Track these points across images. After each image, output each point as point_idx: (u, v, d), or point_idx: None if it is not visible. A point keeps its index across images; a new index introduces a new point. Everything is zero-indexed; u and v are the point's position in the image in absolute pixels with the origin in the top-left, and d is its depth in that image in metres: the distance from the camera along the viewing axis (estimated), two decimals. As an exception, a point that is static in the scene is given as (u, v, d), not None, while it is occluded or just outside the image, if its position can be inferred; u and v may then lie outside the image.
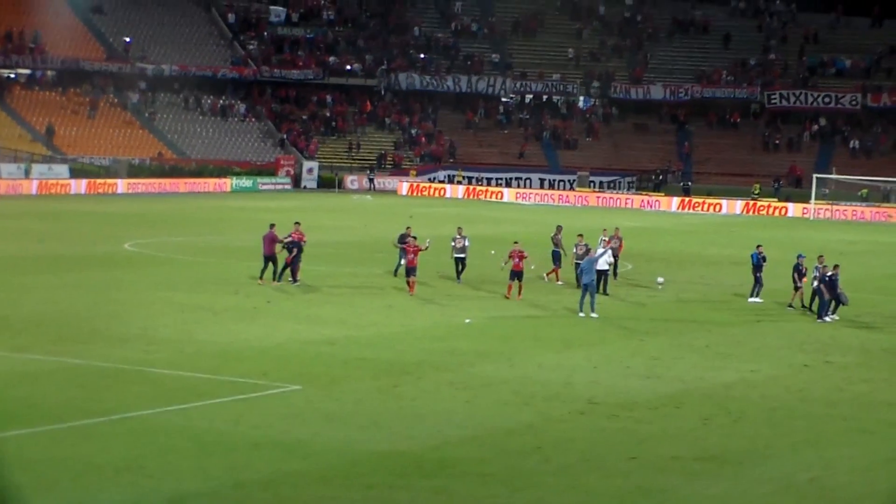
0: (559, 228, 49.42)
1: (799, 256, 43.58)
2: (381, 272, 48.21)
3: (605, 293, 44.23)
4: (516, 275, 43.52)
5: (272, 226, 45.75)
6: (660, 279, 47.69)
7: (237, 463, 22.06)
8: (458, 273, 46.94)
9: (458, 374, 30.44)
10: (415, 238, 45.00)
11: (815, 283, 41.28)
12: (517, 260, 43.57)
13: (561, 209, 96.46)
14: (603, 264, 44.48)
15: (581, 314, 40.01)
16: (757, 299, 44.74)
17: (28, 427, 23.77)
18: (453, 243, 47.38)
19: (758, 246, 46.33)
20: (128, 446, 22.76)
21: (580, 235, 47.23)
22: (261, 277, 44.81)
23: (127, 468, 21.39)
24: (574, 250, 46.30)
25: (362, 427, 24.84)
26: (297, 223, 46.08)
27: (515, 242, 44.92)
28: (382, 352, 32.94)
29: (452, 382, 29.37)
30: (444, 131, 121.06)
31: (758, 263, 44.99)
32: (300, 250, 44.89)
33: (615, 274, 48.30)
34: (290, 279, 44.69)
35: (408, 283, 43.55)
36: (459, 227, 48.27)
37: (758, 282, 45.03)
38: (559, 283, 47.55)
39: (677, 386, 30.10)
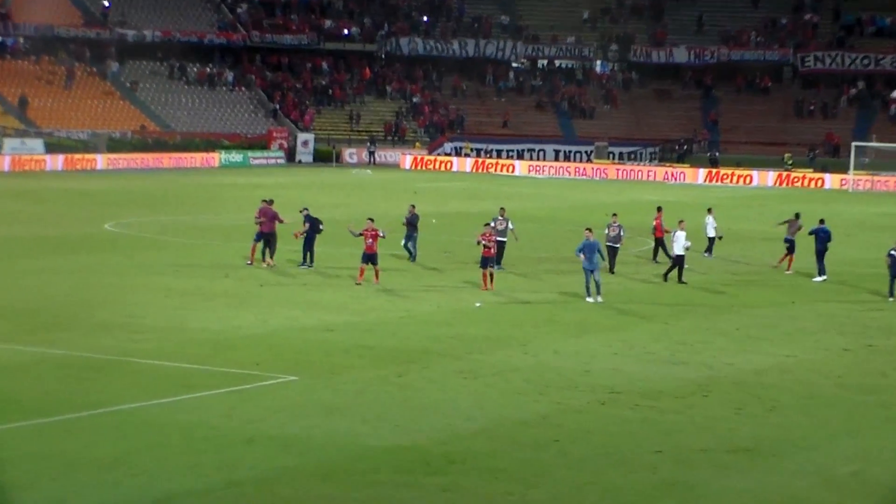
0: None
1: None
2: (383, 253, 48.22)
3: (680, 281, 44.08)
4: (487, 261, 41.62)
5: (271, 202, 45.87)
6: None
7: (230, 459, 22.17)
8: (498, 257, 45.18)
9: (466, 361, 30.52)
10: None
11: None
12: (487, 244, 41.57)
13: (578, 182, 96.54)
14: (680, 249, 44.12)
15: (589, 299, 39.90)
16: (821, 277, 45.34)
17: (7, 422, 23.85)
18: (493, 224, 46.05)
19: (821, 221, 46.75)
20: (114, 442, 22.89)
21: (614, 215, 46.46)
22: (263, 258, 45.02)
23: (113, 465, 21.51)
24: (606, 231, 45.42)
25: (364, 420, 24.93)
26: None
27: (486, 224, 43.75)
28: (385, 339, 33.03)
29: (461, 371, 29.45)
30: (450, 100, 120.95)
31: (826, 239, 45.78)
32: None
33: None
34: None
35: (360, 269, 41.92)
36: (502, 208, 47.87)
37: (821, 259, 45.70)
38: (788, 271, 47.28)
39: (705, 372, 30.18)
